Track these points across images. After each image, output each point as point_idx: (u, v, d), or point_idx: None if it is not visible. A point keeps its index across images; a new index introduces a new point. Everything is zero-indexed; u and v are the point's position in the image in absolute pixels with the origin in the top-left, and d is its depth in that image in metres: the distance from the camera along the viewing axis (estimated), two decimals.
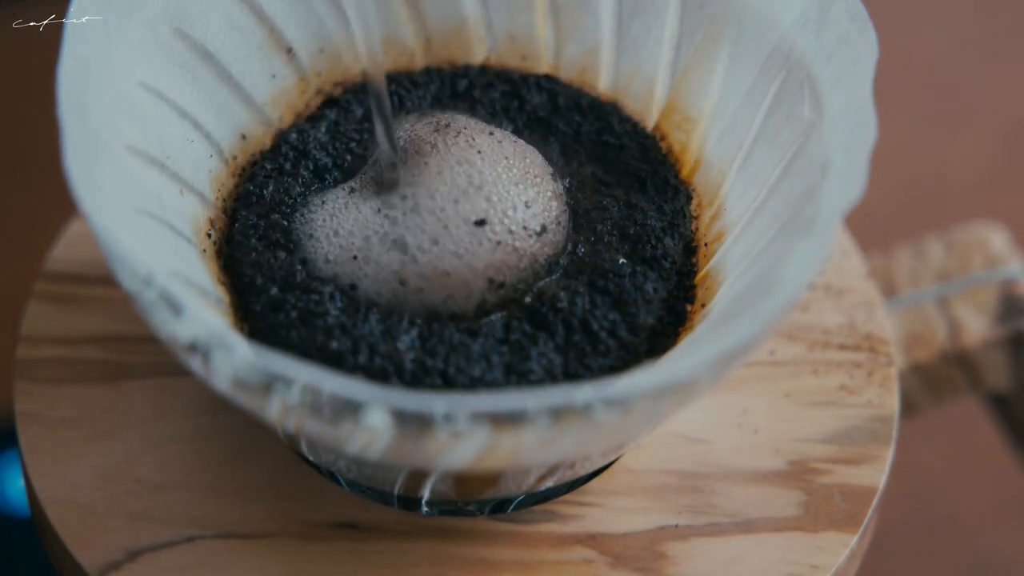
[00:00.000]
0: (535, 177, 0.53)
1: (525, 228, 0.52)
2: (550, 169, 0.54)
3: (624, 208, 0.54)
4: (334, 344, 0.49)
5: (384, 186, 0.53)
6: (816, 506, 0.53)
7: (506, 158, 0.53)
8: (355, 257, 0.51)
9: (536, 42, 0.59)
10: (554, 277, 0.52)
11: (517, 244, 0.52)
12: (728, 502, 0.53)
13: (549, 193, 0.53)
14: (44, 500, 0.52)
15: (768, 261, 0.49)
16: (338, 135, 0.56)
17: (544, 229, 0.52)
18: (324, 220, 0.53)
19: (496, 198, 0.52)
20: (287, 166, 0.55)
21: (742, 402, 0.56)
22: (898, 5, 1.27)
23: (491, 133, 0.54)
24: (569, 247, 0.53)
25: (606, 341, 0.51)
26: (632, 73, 0.58)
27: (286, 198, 0.54)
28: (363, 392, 0.43)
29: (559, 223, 0.53)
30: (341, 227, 0.52)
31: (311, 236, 0.52)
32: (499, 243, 0.52)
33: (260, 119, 0.56)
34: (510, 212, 0.52)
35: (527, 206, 0.52)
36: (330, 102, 0.58)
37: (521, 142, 0.55)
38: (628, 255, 0.53)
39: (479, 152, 0.53)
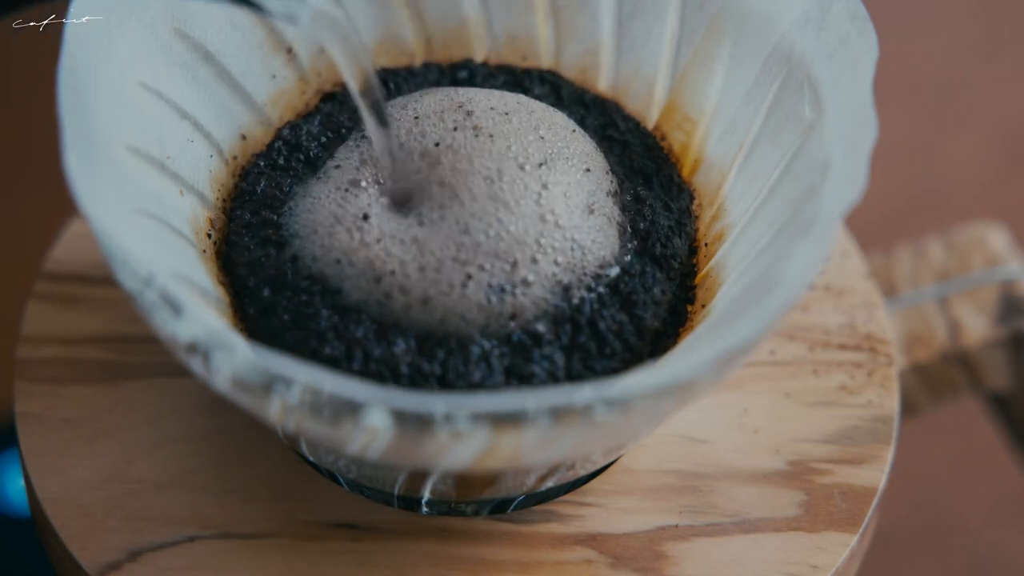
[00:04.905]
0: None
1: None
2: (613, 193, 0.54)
3: (632, 203, 0.54)
4: (328, 349, 0.49)
5: (398, 200, 0.52)
6: (816, 506, 0.53)
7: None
8: (338, 261, 0.51)
9: (536, 42, 0.59)
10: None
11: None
12: (728, 502, 0.53)
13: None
14: (44, 500, 0.52)
15: (768, 261, 0.49)
16: (330, 125, 0.56)
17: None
18: (311, 215, 0.52)
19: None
20: (279, 160, 0.55)
21: (742, 402, 0.56)
22: (898, 5, 1.27)
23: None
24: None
25: (612, 343, 0.50)
26: (632, 73, 0.58)
27: (278, 193, 0.53)
28: (363, 392, 0.43)
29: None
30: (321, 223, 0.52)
31: (296, 235, 0.52)
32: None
33: (260, 119, 0.56)
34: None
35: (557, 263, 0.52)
36: (326, 97, 0.57)
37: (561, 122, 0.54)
38: (638, 252, 0.53)
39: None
